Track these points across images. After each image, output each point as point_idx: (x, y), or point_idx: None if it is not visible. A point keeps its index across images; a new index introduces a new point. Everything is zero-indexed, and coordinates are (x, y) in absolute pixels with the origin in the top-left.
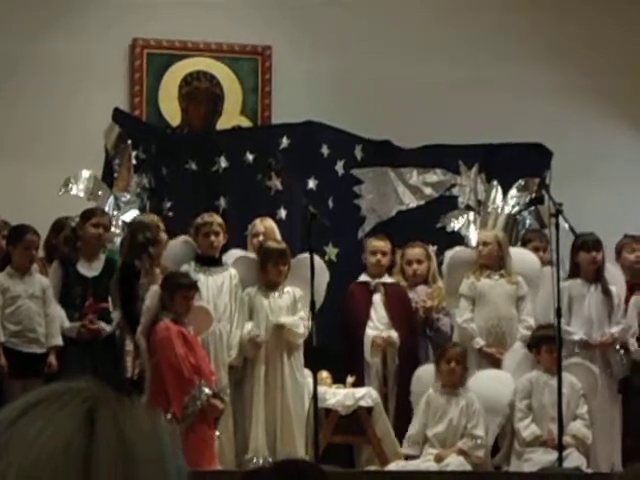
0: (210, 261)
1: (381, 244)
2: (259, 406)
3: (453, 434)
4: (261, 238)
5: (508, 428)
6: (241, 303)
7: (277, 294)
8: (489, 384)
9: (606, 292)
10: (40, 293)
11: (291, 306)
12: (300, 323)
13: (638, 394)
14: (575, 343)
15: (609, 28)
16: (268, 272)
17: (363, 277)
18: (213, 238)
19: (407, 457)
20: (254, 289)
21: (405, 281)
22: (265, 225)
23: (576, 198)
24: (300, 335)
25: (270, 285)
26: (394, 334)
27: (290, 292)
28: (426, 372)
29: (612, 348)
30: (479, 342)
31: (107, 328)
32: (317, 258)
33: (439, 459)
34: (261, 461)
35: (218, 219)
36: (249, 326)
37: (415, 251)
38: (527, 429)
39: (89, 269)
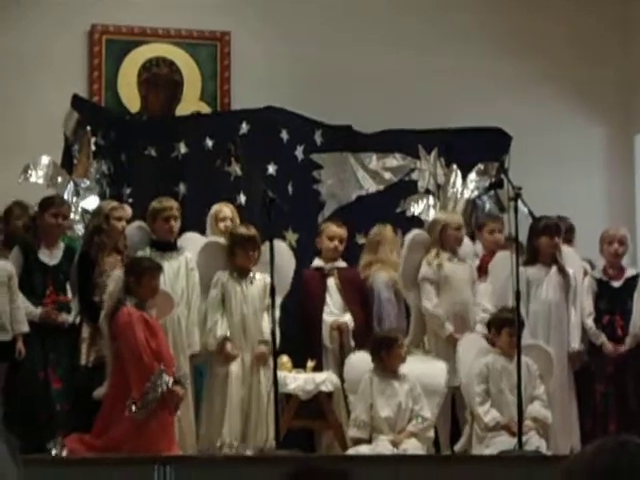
0: (165, 246)
1: (340, 231)
2: (234, 393)
3: (402, 417)
4: (229, 223)
5: (467, 413)
6: (213, 288)
7: (249, 281)
8: (421, 367)
9: (563, 274)
10: (6, 280)
11: (262, 294)
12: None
13: (595, 375)
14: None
15: (564, 13)
16: (237, 257)
17: (317, 262)
18: (173, 223)
19: (356, 441)
20: (225, 274)
21: None
22: (231, 210)
23: (533, 182)
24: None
25: (241, 271)
26: (348, 318)
27: (261, 279)
28: (358, 358)
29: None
30: (449, 328)
31: (69, 318)
32: (284, 244)
33: (395, 444)
34: (234, 449)
35: (176, 204)
36: (220, 330)
37: None
38: (488, 414)
39: (50, 257)
